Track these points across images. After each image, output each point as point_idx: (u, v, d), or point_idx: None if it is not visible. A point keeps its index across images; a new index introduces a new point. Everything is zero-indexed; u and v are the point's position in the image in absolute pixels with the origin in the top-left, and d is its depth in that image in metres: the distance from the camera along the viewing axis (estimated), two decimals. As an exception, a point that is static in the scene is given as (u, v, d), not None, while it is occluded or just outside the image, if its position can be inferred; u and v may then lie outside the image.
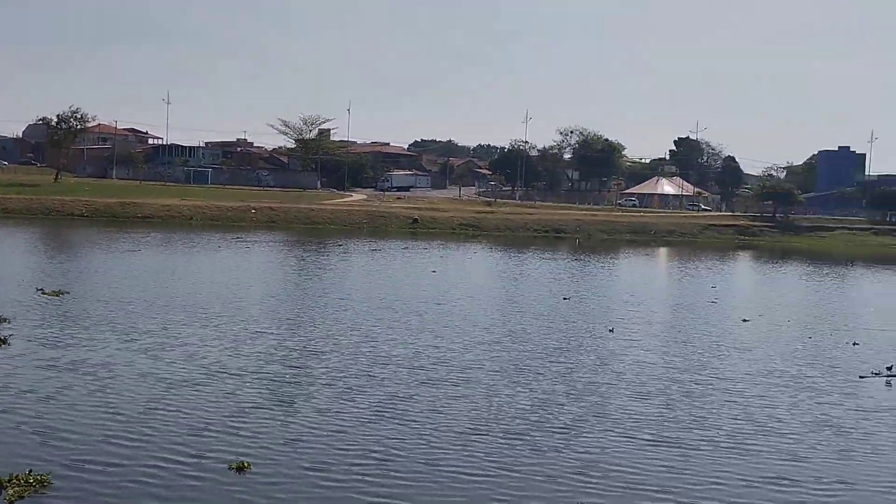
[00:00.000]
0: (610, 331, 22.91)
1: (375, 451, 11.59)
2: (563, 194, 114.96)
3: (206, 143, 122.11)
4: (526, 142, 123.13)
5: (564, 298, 29.88)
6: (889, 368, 18.64)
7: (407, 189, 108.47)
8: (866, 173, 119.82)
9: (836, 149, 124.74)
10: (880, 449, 12.86)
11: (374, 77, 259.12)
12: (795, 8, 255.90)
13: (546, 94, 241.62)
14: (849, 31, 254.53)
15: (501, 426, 13.03)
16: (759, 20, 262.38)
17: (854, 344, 22.52)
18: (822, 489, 11.00)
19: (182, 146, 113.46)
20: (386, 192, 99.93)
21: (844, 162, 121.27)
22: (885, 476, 11.63)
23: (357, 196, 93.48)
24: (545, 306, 28.00)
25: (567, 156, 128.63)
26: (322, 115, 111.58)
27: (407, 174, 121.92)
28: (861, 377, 18.10)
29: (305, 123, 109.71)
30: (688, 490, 10.74)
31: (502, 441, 12.29)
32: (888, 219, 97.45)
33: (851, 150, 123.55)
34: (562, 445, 12.23)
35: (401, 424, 12.88)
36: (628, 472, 11.27)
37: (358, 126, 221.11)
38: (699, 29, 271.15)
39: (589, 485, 10.75)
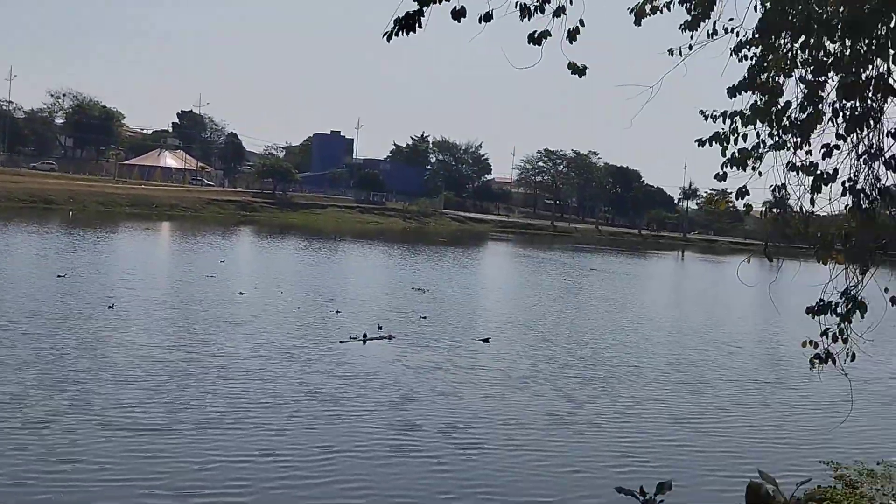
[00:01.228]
0: (109, 307, 21.82)
1: None
2: (56, 162, 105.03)
3: None
4: (10, 102, 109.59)
5: (59, 276, 27.34)
6: (364, 335, 20.77)
7: None
8: (354, 156, 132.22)
9: (329, 132, 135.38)
10: (359, 411, 13.72)
11: None
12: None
13: (34, 50, 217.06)
14: (337, 22, 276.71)
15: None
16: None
17: (337, 312, 24.63)
18: (306, 458, 11.27)
19: None
20: None
21: (335, 145, 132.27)
22: (366, 437, 12.37)
23: None
24: (32, 286, 25.18)
25: (59, 121, 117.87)
26: None
27: None
28: (342, 342, 19.80)
29: None
30: (173, 474, 10.26)
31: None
32: (371, 198, 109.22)
33: (342, 134, 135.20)
34: (30, 443, 10.97)
35: None
36: (106, 464, 10.44)
37: None
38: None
39: (60, 481, 9.81)
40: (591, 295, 38.22)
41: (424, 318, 24.78)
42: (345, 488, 10.33)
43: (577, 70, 7.21)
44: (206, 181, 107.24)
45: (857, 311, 7.02)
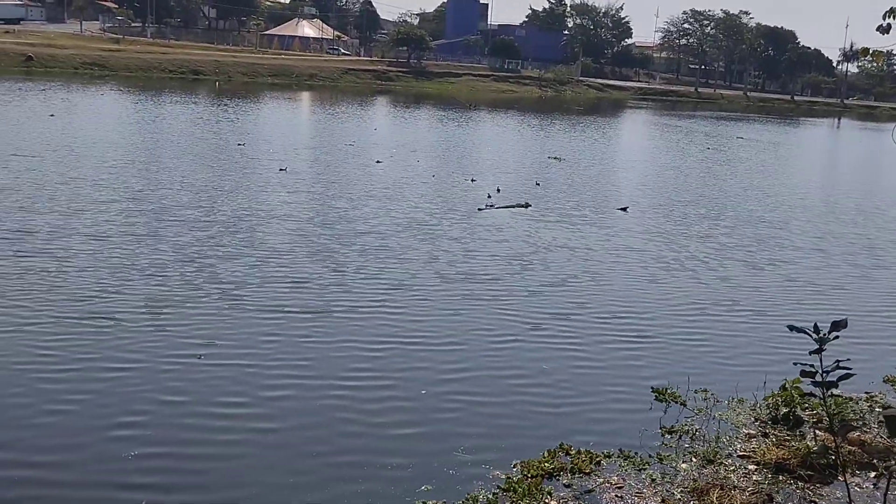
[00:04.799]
0: (282, 170, 23.88)
1: None
2: (200, 33, 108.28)
3: None
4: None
5: (240, 144, 29.57)
6: (489, 196, 21.43)
7: (17, 21, 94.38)
8: (489, 22, 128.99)
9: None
10: (508, 294, 13.19)
11: None
12: None
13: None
14: None
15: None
16: None
17: (472, 181, 24.80)
18: (469, 347, 10.59)
19: None
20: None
21: (470, 11, 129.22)
22: (521, 325, 11.67)
23: (-50, 28, 79.31)
24: (216, 152, 27.46)
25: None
26: None
27: (15, 4, 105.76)
28: (480, 209, 20.04)
29: None
30: (306, 358, 10.16)
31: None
32: (506, 66, 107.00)
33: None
34: (166, 313, 11.88)
35: None
36: (238, 349, 10.17)
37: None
38: None
39: (190, 367, 10.62)
40: (738, 165, 36.59)
41: (539, 184, 24.78)
42: (504, 380, 9.36)
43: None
44: (342, 50, 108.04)
45: None
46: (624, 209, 21.53)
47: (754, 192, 27.40)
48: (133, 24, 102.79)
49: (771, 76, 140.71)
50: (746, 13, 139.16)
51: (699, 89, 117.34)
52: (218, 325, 10.53)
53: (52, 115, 34.39)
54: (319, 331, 10.59)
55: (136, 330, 10.12)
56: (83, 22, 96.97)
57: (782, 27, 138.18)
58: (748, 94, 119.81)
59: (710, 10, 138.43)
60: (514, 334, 11.00)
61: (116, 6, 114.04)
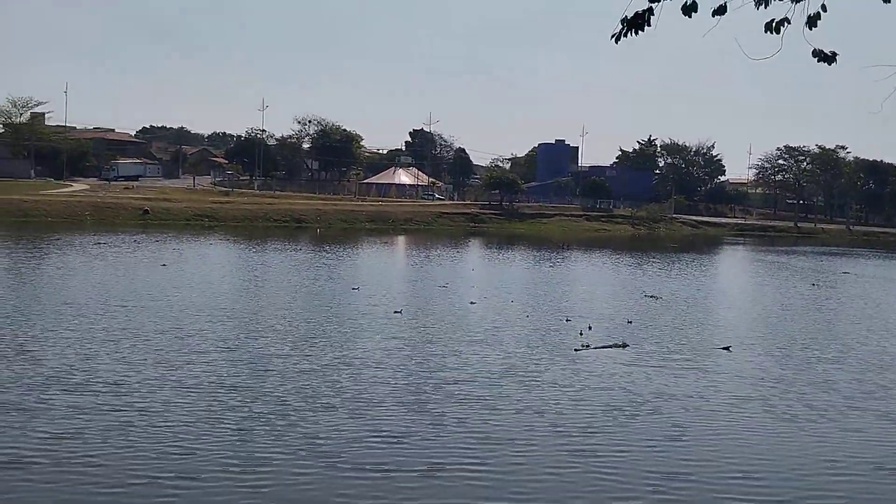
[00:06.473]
0: (397, 312, 24.54)
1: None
2: (304, 184, 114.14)
3: None
4: (263, 130, 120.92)
5: (354, 288, 30.37)
6: (581, 334, 21.53)
7: (136, 178, 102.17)
8: (579, 164, 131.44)
9: (554, 141, 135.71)
10: (621, 450, 12.64)
11: (94, 56, 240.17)
12: (505, 4, 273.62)
13: (283, 82, 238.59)
14: (560, 29, 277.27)
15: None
16: (484, 15, 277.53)
17: (567, 320, 24.47)
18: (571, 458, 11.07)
19: None
20: (112, 182, 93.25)
21: (561, 154, 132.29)
22: (634, 487, 11.20)
23: (79, 186, 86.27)
24: (330, 295, 28.37)
25: (306, 145, 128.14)
26: (35, 98, 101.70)
27: (135, 162, 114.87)
28: (576, 350, 19.66)
29: (15, 106, 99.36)
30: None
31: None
32: (597, 206, 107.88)
33: (566, 142, 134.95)
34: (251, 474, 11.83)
35: None
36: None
37: (78, 110, 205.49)
38: (420, 20, 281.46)
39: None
40: (850, 303, 34.96)
41: (630, 322, 24.48)
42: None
43: (826, 57, 6.68)
44: (436, 195, 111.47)
45: None
46: (727, 348, 20.72)
47: (874, 332, 25.92)
48: (241, 178, 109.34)
49: (874, 209, 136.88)
50: (843, 147, 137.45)
51: (798, 224, 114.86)
52: (312, 485, 10.31)
53: (163, 265, 36.21)
54: (419, 492, 10.21)
55: (229, 491, 10.06)
56: (196, 177, 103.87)
57: (882, 160, 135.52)
58: (851, 227, 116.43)
59: (804, 146, 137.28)
60: (622, 495, 10.49)
61: (227, 161, 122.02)
